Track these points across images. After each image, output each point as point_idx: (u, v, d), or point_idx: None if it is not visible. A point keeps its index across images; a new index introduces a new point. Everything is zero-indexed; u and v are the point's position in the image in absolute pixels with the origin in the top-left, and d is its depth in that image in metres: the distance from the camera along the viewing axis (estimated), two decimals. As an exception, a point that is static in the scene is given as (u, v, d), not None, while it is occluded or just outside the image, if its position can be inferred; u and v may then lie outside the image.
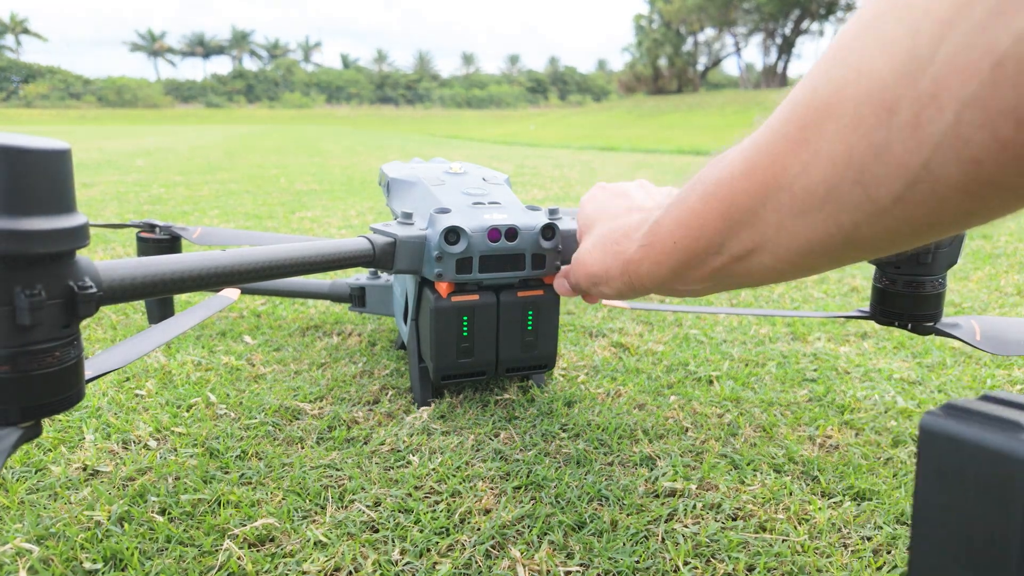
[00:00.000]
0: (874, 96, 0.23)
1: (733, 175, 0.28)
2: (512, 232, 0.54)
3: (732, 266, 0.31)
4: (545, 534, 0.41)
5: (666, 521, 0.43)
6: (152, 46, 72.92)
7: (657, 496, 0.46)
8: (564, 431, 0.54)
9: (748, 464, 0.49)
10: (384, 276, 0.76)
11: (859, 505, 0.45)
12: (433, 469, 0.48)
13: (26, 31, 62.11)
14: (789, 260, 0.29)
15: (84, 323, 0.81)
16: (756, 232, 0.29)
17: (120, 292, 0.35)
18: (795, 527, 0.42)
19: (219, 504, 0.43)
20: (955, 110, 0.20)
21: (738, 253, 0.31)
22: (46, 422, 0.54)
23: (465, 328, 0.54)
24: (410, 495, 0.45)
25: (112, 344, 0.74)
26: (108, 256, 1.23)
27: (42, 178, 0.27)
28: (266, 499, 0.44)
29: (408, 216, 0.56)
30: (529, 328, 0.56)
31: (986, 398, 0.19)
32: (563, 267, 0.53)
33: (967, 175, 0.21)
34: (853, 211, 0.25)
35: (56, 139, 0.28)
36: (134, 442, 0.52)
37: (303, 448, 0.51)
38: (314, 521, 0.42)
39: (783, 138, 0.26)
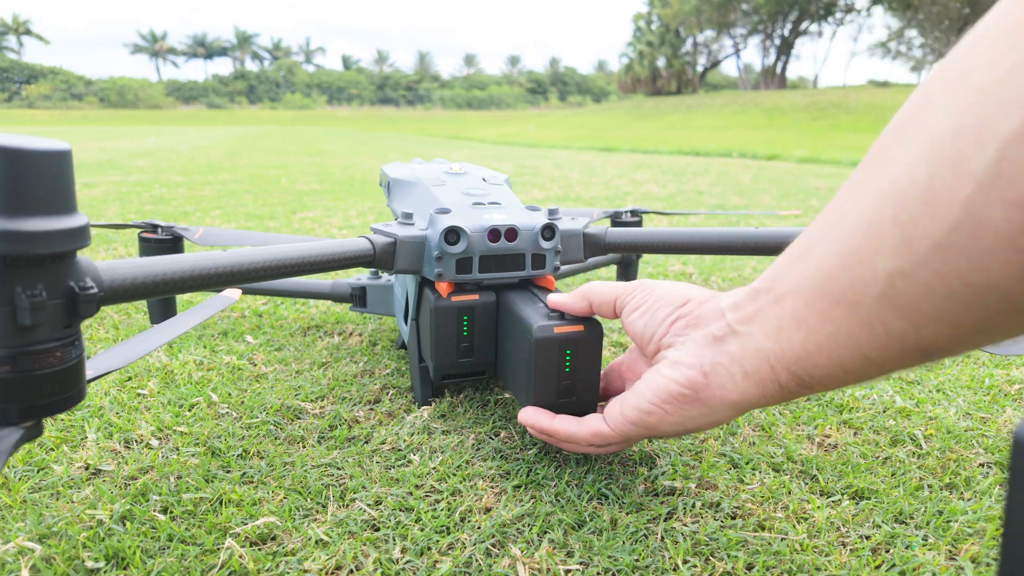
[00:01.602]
0: (933, 132, 0.22)
1: None
2: (512, 232, 0.54)
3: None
4: (545, 532, 0.41)
5: (665, 520, 0.43)
6: (153, 47, 73.00)
7: (656, 495, 0.46)
8: (564, 430, 0.54)
9: (747, 463, 0.50)
10: (385, 276, 0.76)
11: (857, 504, 0.45)
12: (434, 468, 0.48)
13: (28, 32, 62.21)
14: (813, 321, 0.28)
15: (86, 323, 0.81)
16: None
17: (121, 292, 0.35)
18: (794, 526, 0.42)
19: (221, 503, 0.44)
20: (997, 147, 0.19)
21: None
22: (48, 421, 0.54)
23: (465, 328, 0.54)
24: (411, 494, 0.45)
25: (114, 344, 0.75)
26: (110, 256, 1.23)
27: (42, 179, 0.27)
28: (267, 498, 0.44)
29: (408, 216, 0.57)
30: (567, 370, 0.48)
31: None
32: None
33: (1013, 222, 0.18)
34: (890, 256, 0.23)
35: (56, 140, 0.28)
36: (136, 441, 0.52)
37: (304, 447, 0.51)
38: (315, 520, 0.42)
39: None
